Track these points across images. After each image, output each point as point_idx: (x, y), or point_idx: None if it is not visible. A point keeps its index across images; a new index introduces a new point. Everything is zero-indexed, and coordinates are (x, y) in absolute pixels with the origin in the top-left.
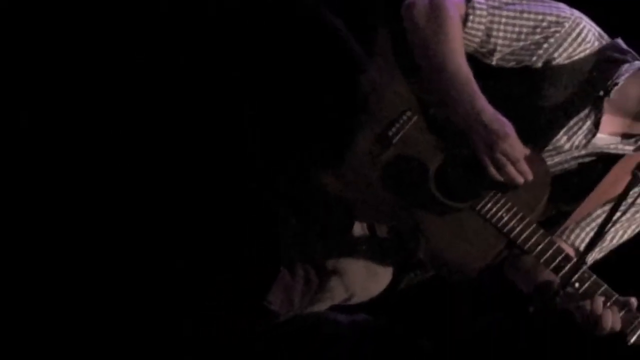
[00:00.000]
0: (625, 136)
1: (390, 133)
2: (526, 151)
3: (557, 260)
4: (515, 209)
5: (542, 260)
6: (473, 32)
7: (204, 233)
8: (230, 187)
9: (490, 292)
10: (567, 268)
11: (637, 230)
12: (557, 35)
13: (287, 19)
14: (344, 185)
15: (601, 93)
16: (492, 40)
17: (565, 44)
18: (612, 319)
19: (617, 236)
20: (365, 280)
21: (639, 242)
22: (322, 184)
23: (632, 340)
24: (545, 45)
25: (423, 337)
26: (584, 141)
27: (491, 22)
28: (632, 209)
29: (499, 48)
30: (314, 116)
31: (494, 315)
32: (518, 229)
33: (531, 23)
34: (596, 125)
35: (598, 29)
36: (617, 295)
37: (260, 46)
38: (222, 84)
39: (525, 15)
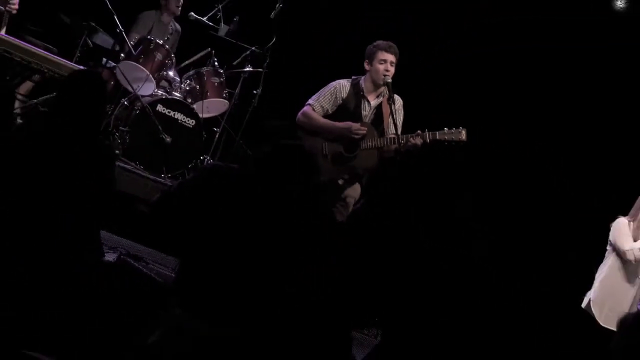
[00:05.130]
0: (377, 95)
1: (324, 153)
2: (359, 124)
3: (401, 141)
4: (373, 140)
5: (394, 147)
6: (318, 110)
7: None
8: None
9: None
10: (399, 144)
11: (402, 116)
12: (337, 91)
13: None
14: (328, 179)
15: (362, 93)
16: (324, 107)
17: (343, 91)
18: (418, 140)
19: (400, 122)
20: (354, 191)
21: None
22: (322, 183)
23: (429, 135)
24: (338, 97)
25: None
26: (370, 108)
27: (320, 103)
28: (398, 111)
29: (329, 109)
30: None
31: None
32: (379, 143)
33: (329, 94)
34: (368, 102)
35: (347, 79)
36: (412, 134)
37: None
38: None
39: (326, 94)
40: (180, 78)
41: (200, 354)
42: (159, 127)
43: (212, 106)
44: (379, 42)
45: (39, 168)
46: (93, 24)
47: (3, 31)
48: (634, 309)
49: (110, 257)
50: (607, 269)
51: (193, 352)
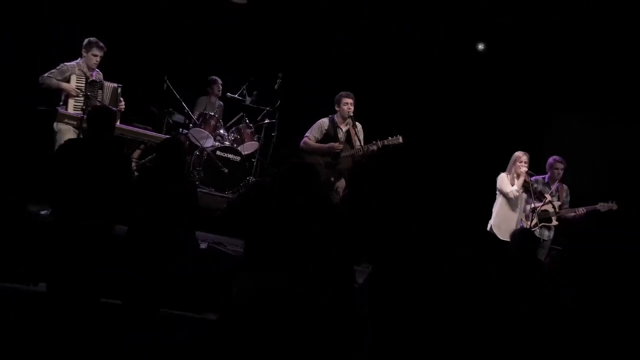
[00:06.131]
0: (345, 124)
1: (322, 163)
2: (337, 143)
3: (364, 150)
4: (347, 151)
5: (361, 153)
6: (312, 139)
7: None
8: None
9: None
10: (363, 151)
11: (362, 134)
12: (322, 126)
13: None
14: (325, 178)
15: (336, 124)
16: (315, 137)
17: (325, 125)
18: (374, 147)
19: (361, 138)
20: (342, 183)
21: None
22: (322, 182)
23: (380, 143)
24: (322, 129)
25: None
26: (342, 133)
27: (312, 134)
28: (359, 131)
29: (318, 137)
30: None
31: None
32: (351, 152)
33: (317, 128)
34: (341, 129)
35: (327, 117)
36: (369, 144)
37: None
38: None
39: (315, 128)
40: (227, 133)
41: (263, 299)
42: (219, 164)
43: (249, 147)
44: (342, 92)
45: (156, 198)
46: (171, 109)
47: (118, 122)
48: (518, 227)
49: (203, 246)
50: (498, 205)
51: (259, 298)
